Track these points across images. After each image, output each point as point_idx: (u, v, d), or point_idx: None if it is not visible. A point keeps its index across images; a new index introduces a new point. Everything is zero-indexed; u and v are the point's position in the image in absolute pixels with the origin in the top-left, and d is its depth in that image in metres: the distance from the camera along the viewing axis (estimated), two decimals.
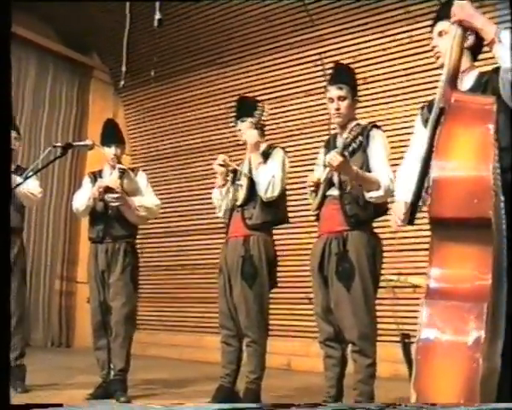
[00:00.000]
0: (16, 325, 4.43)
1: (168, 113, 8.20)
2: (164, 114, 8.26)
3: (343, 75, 3.64)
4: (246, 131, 4.06)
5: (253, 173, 4.00)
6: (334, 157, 3.28)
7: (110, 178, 4.42)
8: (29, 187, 4.53)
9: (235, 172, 4.20)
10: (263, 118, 4.06)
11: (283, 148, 4.24)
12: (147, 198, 4.51)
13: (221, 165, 4.10)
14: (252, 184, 3.99)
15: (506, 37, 2.31)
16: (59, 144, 3.33)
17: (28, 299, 4.64)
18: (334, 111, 3.56)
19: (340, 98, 3.53)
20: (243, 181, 4.05)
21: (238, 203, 4.04)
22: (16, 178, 4.14)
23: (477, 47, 2.57)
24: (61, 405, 2.39)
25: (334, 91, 3.55)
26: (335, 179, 3.51)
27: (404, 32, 6.08)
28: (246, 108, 4.16)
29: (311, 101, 6.75)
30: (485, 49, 2.46)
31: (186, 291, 7.61)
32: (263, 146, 4.13)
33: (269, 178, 3.92)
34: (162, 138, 8.32)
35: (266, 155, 4.06)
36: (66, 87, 8.20)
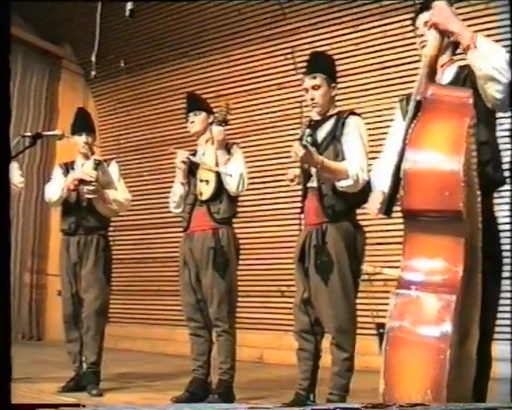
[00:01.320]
0: None
1: (139, 104, 8.17)
2: (135, 105, 8.22)
3: (317, 64, 3.60)
4: (198, 124, 4.11)
5: (222, 169, 3.98)
6: (297, 149, 3.24)
7: (85, 168, 4.39)
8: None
9: (190, 168, 4.16)
10: (228, 117, 4.01)
11: (243, 138, 4.26)
12: (119, 192, 4.50)
13: (183, 162, 4.10)
14: (219, 180, 3.98)
15: (482, 43, 2.33)
16: (28, 134, 3.33)
17: None
18: (310, 101, 3.54)
19: (315, 87, 3.51)
20: (209, 176, 4.02)
21: (203, 198, 4.00)
22: None
23: (457, 42, 2.56)
24: (70, 405, 2.34)
25: (307, 81, 3.53)
26: (313, 171, 3.49)
27: (378, 26, 6.12)
28: (198, 102, 4.21)
29: (284, 94, 6.78)
30: None
31: (158, 284, 7.60)
32: None
33: (239, 173, 3.94)
34: (133, 130, 8.28)
35: (228, 151, 4.06)
36: (36, 77, 8.09)
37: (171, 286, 7.18)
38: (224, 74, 7.22)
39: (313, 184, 3.52)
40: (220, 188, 3.99)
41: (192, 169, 4.13)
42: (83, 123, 4.59)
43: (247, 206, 6.38)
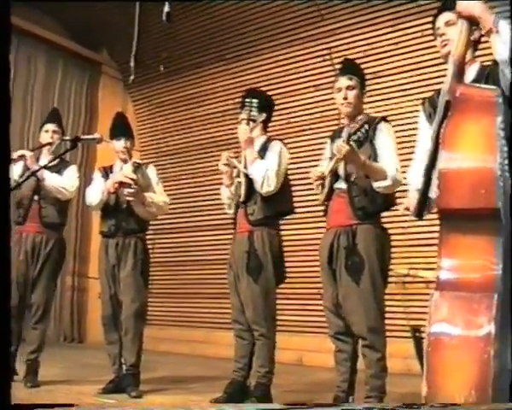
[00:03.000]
0: (39, 319, 4.54)
1: (177, 108, 8.24)
2: (173, 109, 8.29)
3: (353, 67, 3.71)
4: (240, 126, 4.08)
5: (248, 170, 3.99)
6: (341, 146, 3.29)
7: (124, 171, 4.44)
8: (61, 181, 4.65)
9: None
10: (253, 113, 4.01)
11: (282, 140, 4.23)
12: (157, 195, 4.53)
13: (226, 164, 4.10)
14: (250, 181, 3.99)
15: (504, 27, 2.32)
16: (67, 138, 3.38)
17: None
18: (341, 100, 3.58)
19: (349, 87, 3.57)
20: (242, 178, 4.05)
21: (241, 200, 4.05)
22: (45, 173, 4.49)
23: (478, 40, 2.60)
24: (66, 405, 2.46)
25: (343, 81, 3.59)
26: (341, 172, 3.51)
27: (415, 25, 6.06)
28: (243, 102, 4.18)
29: (321, 95, 6.74)
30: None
31: (197, 287, 7.63)
32: (261, 139, 4.13)
33: (263, 173, 3.91)
34: (171, 134, 8.35)
35: (265, 149, 4.06)
36: (76, 83, 8.23)
37: (210, 289, 7.23)
38: (261, 76, 7.22)
39: (341, 185, 3.54)
40: (252, 189, 4.00)
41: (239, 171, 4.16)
42: (121, 128, 4.65)
43: None
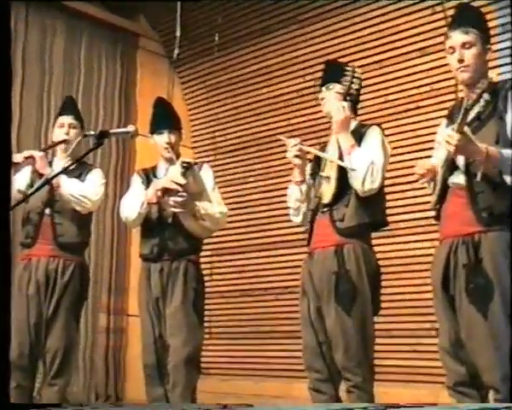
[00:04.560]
0: (57, 371, 4.60)
1: (238, 90, 8.22)
2: (234, 91, 8.27)
3: (469, 16, 3.59)
4: (331, 102, 4.10)
5: (344, 160, 3.97)
6: (450, 137, 3.24)
7: (170, 175, 4.49)
8: (82, 188, 4.73)
9: (316, 161, 4.22)
10: (354, 86, 4.06)
11: (380, 125, 4.21)
12: (214, 205, 4.57)
13: (297, 156, 4.12)
14: (342, 175, 3.96)
15: None
16: (91, 133, 3.40)
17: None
18: (456, 64, 3.51)
19: (465, 45, 3.49)
20: (330, 171, 4.02)
21: (324, 201, 4.02)
22: (61, 179, 4.57)
23: None
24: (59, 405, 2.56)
25: (456, 36, 3.51)
26: (460, 161, 3.44)
27: None
28: (333, 72, 4.22)
29: (430, 62, 6.59)
30: None
31: (270, 324, 7.60)
32: (352, 124, 4.13)
33: (367, 164, 3.88)
34: (232, 124, 8.33)
35: (358, 136, 4.05)
36: (106, 62, 8.26)
37: (289, 326, 7.16)
38: (346, 43, 7.13)
39: (458, 179, 3.47)
40: (344, 186, 3.97)
41: (319, 164, 4.18)
42: (164, 118, 4.72)
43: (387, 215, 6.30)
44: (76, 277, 4.73)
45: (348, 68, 4.12)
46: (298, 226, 4.51)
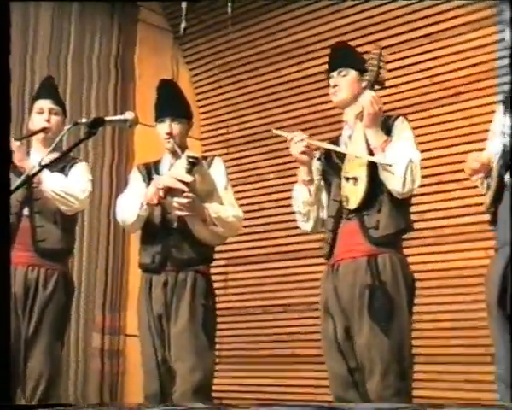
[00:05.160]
0: (39, 401, 4.57)
1: (256, 71, 8.23)
2: (249, 72, 8.28)
3: None
4: (345, 89, 4.20)
5: (377, 157, 4.02)
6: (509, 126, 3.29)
7: (174, 172, 4.52)
8: (67, 185, 4.71)
9: (327, 158, 4.28)
10: (382, 72, 4.12)
11: (406, 115, 4.27)
12: (226, 206, 4.60)
13: (304, 152, 4.19)
14: (373, 176, 4.01)
15: None
16: (83, 121, 3.42)
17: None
18: None
19: None
20: (358, 171, 4.05)
21: (350, 206, 4.06)
22: (44, 172, 4.48)
23: None
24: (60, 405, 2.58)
25: None
26: None
27: None
28: (347, 55, 4.33)
29: (484, 37, 6.58)
30: None
31: (293, 346, 7.61)
32: None
33: (406, 162, 3.93)
34: (248, 111, 8.34)
35: (385, 129, 4.12)
36: (100, 37, 8.24)
37: (315, 349, 7.18)
38: (378, 18, 7.15)
39: None
40: (376, 188, 4.02)
41: (334, 162, 4.22)
42: (166, 103, 4.74)
43: (427, 219, 6.29)
44: (60, 289, 4.73)
45: (375, 51, 4.18)
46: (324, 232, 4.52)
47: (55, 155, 4.47)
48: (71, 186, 4.73)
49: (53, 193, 4.64)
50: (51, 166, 4.44)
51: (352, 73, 4.26)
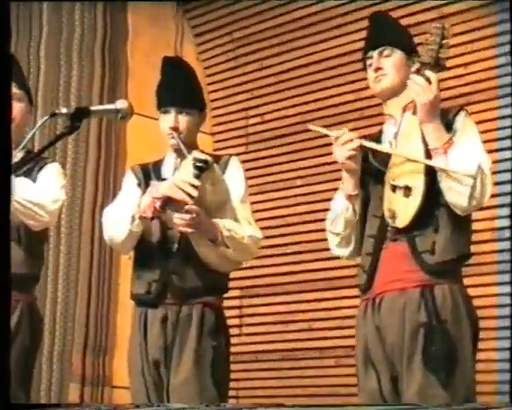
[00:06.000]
0: None
1: (283, 46, 8.26)
2: (274, 47, 8.31)
3: None
4: (390, 74, 4.20)
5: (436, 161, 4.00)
6: None
7: (177, 178, 4.46)
8: (34, 192, 4.68)
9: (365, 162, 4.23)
10: (442, 55, 4.06)
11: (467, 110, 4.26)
12: (242, 224, 4.59)
13: (352, 157, 4.13)
14: (430, 186, 4.00)
15: None
16: (63, 111, 3.42)
17: None
18: None
19: None
20: (411, 179, 4.04)
21: (400, 224, 4.04)
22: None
23: None
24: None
25: None
26: None
27: None
28: (393, 30, 4.34)
29: None
30: None
31: (326, 401, 7.61)
32: None
33: (475, 169, 3.90)
34: (271, 98, 8.37)
35: (444, 125, 4.08)
36: (81, 4, 8.35)
37: (354, 407, 7.20)
38: None
39: None
40: (433, 201, 4.01)
41: (372, 165, 4.23)
42: (171, 89, 4.74)
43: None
44: (24, 326, 4.72)
45: (437, 25, 4.10)
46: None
47: (21, 154, 4.56)
48: (40, 195, 4.69)
49: (16, 203, 4.54)
50: (15, 168, 4.38)
51: (398, 54, 4.25)
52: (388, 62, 4.24)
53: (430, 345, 3.94)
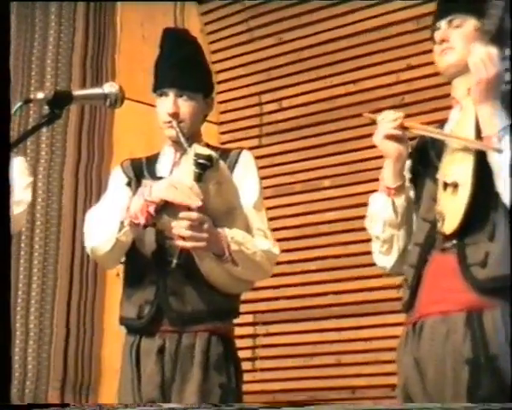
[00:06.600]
0: None
1: (304, 17, 8.28)
2: (294, 19, 8.32)
3: None
4: (459, 48, 4.15)
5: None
6: None
7: (175, 179, 4.48)
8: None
9: (420, 156, 4.24)
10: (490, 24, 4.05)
11: None
12: (256, 237, 4.56)
13: (395, 137, 4.10)
14: (481, 182, 3.93)
15: None
16: (40, 96, 3.39)
17: None
18: None
19: None
20: (461, 173, 3.97)
21: (448, 229, 3.98)
22: None
23: None
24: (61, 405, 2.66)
25: None
26: None
27: None
28: None
29: None
30: None
31: None
32: None
33: None
34: (291, 80, 8.36)
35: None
36: None
37: None
38: None
39: None
40: (486, 201, 3.96)
41: (430, 161, 4.19)
42: (173, 67, 4.73)
43: None
44: None
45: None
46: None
47: None
48: None
49: None
50: None
51: (470, 23, 4.19)
52: (457, 34, 4.19)
53: (477, 382, 3.88)
